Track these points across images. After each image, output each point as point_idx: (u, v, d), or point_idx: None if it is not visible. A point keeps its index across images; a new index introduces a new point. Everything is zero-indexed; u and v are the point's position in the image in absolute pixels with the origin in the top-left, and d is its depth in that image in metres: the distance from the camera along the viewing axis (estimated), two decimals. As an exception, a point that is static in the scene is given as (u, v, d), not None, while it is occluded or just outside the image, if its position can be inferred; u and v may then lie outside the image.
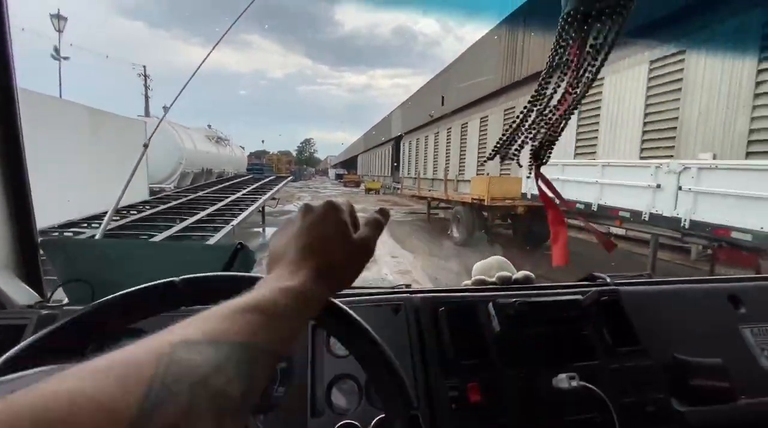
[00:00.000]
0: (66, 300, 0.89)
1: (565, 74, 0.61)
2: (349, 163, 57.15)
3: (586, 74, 0.59)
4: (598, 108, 9.46)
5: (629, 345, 0.81)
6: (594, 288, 0.88)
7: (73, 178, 5.57)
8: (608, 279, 0.97)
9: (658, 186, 4.69)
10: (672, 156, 7.35)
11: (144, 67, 24.55)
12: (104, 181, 6.38)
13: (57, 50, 13.55)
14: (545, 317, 0.78)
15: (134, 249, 0.99)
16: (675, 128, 7.54)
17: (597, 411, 0.70)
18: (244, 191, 9.62)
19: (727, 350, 0.83)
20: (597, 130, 9.51)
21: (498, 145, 0.69)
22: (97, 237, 1.33)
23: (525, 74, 12.75)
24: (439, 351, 0.74)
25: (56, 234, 4.87)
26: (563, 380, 0.70)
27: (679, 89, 7.50)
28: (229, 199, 8.33)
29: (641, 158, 7.90)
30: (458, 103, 17.90)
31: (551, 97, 0.63)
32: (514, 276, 0.94)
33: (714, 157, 6.54)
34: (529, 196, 7.38)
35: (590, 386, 0.69)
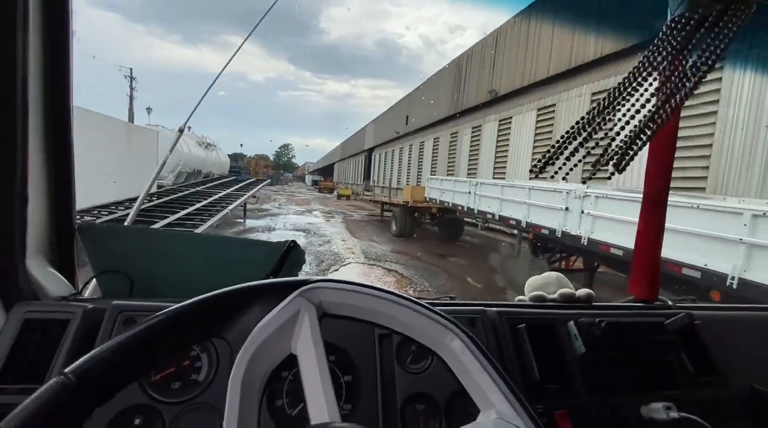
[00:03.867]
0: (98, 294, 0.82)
1: (648, 83, 0.56)
2: (326, 170, 59.49)
3: (685, 84, 0.53)
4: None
5: (708, 374, 0.77)
6: (666, 311, 0.85)
7: (106, 173, 7.85)
8: (669, 302, 0.92)
9: (567, 208, 5.26)
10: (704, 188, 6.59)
11: (131, 69, 26.05)
12: (128, 174, 8.74)
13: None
14: (631, 340, 0.75)
15: (178, 240, 0.90)
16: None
17: None
18: (230, 190, 12.05)
19: None
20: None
21: (549, 156, 0.60)
22: (126, 223, 1.19)
23: (466, 106, 15.87)
24: (522, 372, 0.69)
25: (92, 217, 6.52)
26: (658, 410, 0.67)
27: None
28: (218, 195, 10.76)
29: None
30: (418, 124, 20.92)
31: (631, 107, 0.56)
32: (577, 294, 0.89)
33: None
34: (428, 199, 10.52)
35: (694, 418, 0.65)
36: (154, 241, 0.88)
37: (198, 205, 8.75)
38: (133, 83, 25.21)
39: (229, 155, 28.53)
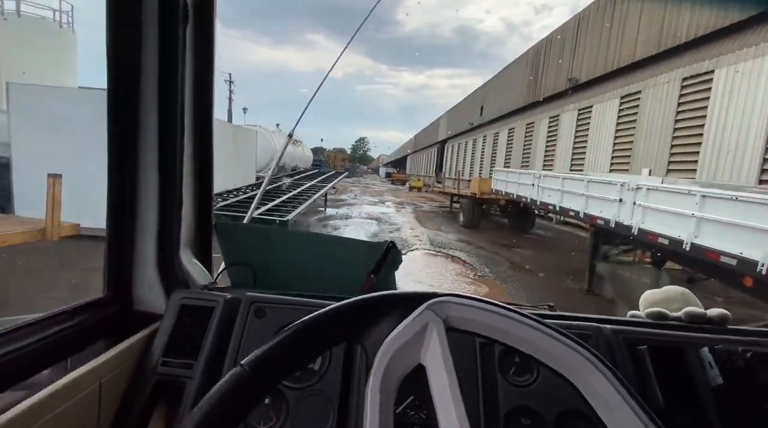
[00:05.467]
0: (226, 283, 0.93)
1: None
2: (399, 162, 60.66)
3: None
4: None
5: None
6: None
7: (220, 166, 9.59)
8: None
9: (620, 200, 5.33)
10: None
11: (230, 74, 29.55)
12: (233, 167, 10.52)
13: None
14: None
15: (294, 238, 1.04)
16: None
17: None
18: (313, 181, 13.56)
19: None
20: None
21: None
22: (251, 208, 1.38)
23: (543, 96, 15.33)
24: (642, 399, 0.59)
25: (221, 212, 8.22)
26: None
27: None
28: (304, 186, 12.25)
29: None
30: (492, 115, 20.60)
31: None
32: (708, 314, 0.77)
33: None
34: (494, 191, 10.52)
35: None
36: (274, 238, 1.00)
37: (289, 194, 10.13)
38: (231, 86, 28.78)
39: (311, 149, 31.10)
